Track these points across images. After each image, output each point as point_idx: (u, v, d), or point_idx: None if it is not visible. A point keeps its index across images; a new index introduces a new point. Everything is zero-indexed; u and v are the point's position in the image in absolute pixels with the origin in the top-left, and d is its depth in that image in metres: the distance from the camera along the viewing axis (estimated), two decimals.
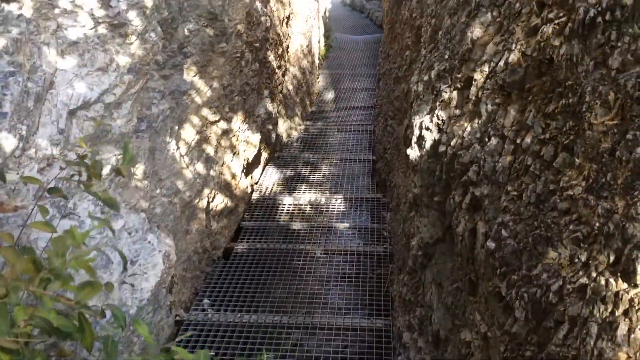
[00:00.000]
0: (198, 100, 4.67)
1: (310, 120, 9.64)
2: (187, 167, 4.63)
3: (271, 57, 6.88)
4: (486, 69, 2.82)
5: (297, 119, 9.02)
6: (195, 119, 4.71)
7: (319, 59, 12.24)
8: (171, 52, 4.23)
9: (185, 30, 4.33)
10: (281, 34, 7.51)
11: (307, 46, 10.13)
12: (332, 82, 11.99)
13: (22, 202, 2.80)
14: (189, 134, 4.64)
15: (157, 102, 4.09)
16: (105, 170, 3.35)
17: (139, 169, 3.80)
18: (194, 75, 4.55)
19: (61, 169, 3.04)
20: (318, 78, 11.85)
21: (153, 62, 3.85)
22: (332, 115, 10.07)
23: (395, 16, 7.21)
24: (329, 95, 11.20)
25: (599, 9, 2.13)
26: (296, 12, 9.07)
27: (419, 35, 4.61)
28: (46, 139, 2.98)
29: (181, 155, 4.53)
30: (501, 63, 2.67)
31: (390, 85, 7.09)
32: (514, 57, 2.55)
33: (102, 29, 3.29)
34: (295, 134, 8.79)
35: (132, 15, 3.41)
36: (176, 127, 4.43)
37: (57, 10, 3.11)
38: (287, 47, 8.29)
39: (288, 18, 8.23)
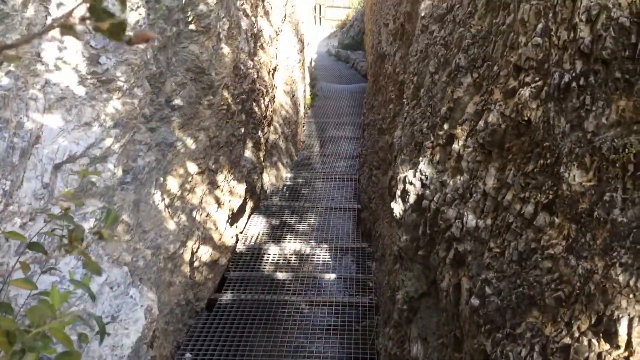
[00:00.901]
0: (184, 151, 4.70)
1: (295, 169, 9.71)
2: (172, 218, 4.62)
3: (257, 107, 6.98)
4: (467, 127, 2.90)
5: (282, 168, 9.08)
6: (181, 170, 4.72)
7: (304, 107, 12.42)
8: (158, 105, 4.28)
9: (173, 84, 4.40)
10: (267, 84, 7.65)
11: (293, 96, 10.29)
12: (318, 131, 12.14)
13: (3, 258, 2.76)
14: (174, 185, 4.64)
15: (143, 154, 4.11)
16: (89, 224, 3.33)
17: (123, 222, 3.78)
18: (181, 128, 4.59)
19: (45, 222, 3.03)
20: (304, 127, 12.00)
21: (140, 116, 3.90)
22: (318, 163, 10.16)
23: (379, 69, 7.40)
24: (315, 144, 11.31)
25: (573, 74, 2.23)
26: (282, 63, 9.27)
27: (402, 90, 4.73)
28: (30, 194, 2.97)
29: (166, 207, 4.52)
30: (481, 122, 2.74)
31: (374, 136, 7.20)
32: (493, 117, 2.63)
33: (89, 85, 3.33)
34: (280, 183, 8.83)
35: (120, 71, 3.46)
36: (161, 179, 4.44)
37: (45, 67, 3.15)
38: (273, 97, 8.42)
39: (274, 69, 8.39)
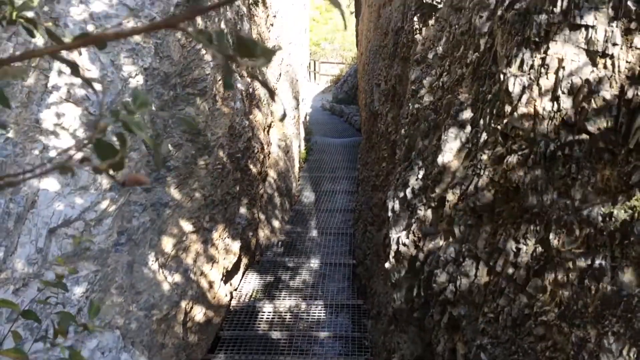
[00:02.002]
0: (179, 211, 4.72)
1: (290, 224, 9.69)
2: (166, 278, 4.59)
3: (252, 165, 7.06)
4: (458, 191, 2.95)
5: (277, 223, 9.07)
6: (175, 230, 4.73)
7: (299, 162, 12.54)
8: (155, 166, 4.33)
9: (170, 145, 4.47)
10: (263, 141, 7.76)
11: (288, 152, 10.42)
12: (313, 185, 12.20)
13: None
14: (168, 244, 4.64)
15: (138, 215, 4.13)
16: (82, 289, 3.31)
17: (116, 285, 3.75)
18: (176, 188, 4.63)
19: (39, 290, 3.02)
20: (299, 181, 12.07)
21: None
22: (313, 218, 10.16)
23: (372, 127, 7.53)
24: (310, 198, 11.35)
25: (559, 143, 2.29)
26: (277, 119, 9.43)
27: (394, 149, 4.81)
28: (24, 259, 2.96)
29: (160, 267, 4.50)
30: (471, 187, 2.79)
31: (368, 192, 7.26)
32: (482, 182, 2.68)
33: (86, 150, 3.38)
34: (275, 238, 8.80)
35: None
36: (156, 238, 4.44)
37: (43, 133, 3.21)
38: (268, 153, 8.52)
39: (269, 126, 8.53)
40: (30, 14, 1.28)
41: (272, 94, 0.63)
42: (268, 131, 8.38)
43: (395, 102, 5.14)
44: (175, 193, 4.64)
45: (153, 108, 3.96)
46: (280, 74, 9.59)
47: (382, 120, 6.00)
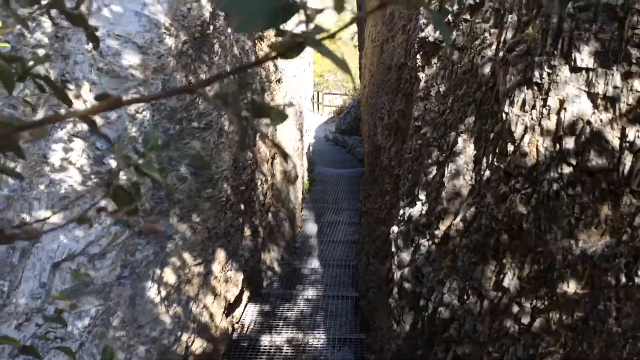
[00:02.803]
0: (182, 244, 4.72)
1: (293, 256, 9.67)
2: (167, 311, 4.56)
3: (256, 196, 7.08)
4: (462, 228, 2.95)
5: (280, 255, 9.05)
6: (178, 263, 4.72)
7: (302, 193, 12.56)
8: (159, 199, 4.36)
9: (174, 178, 4.50)
10: (266, 173, 7.80)
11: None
12: (316, 216, 12.19)
13: None
14: (171, 277, 4.63)
15: (141, 248, 4.13)
16: (84, 323, 3.30)
17: (118, 319, 3.74)
18: (180, 220, 4.64)
19: (37, 325, 3.02)
20: (302, 211, 12.07)
21: (141, 211, 3.96)
22: (315, 250, 10.13)
23: (375, 159, 7.57)
24: (313, 229, 11.33)
25: (561, 183, 2.31)
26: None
27: (397, 184, 4.83)
28: (27, 294, 2.96)
29: (162, 300, 4.48)
30: (475, 224, 2.80)
31: (372, 224, 7.25)
32: (486, 220, 2.69)
33: (92, 184, 3.41)
34: (278, 270, 8.77)
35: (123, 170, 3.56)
36: (159, 271, 4.43)
37: (50, 167, 3.25)
38: (272, 184, 8.56)
39: (273, 158, 8.58)
40: (42, 70, 1.32)
41: (285, 156, 0.66)
42: (272, 163, 8.43)
43: (398, 136, 5.19)
44: (179, 226, 4.65)
45: (159, 143, 4.00)
46: (284, 107, 9.68)
47: (385, 154, 6.04)
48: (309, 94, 15.43)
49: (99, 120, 3.42)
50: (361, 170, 14.66)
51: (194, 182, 4.77)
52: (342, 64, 0.52)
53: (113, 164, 3.49)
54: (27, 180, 3.12)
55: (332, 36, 0.52)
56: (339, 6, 0.51)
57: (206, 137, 4.79)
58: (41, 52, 3.32)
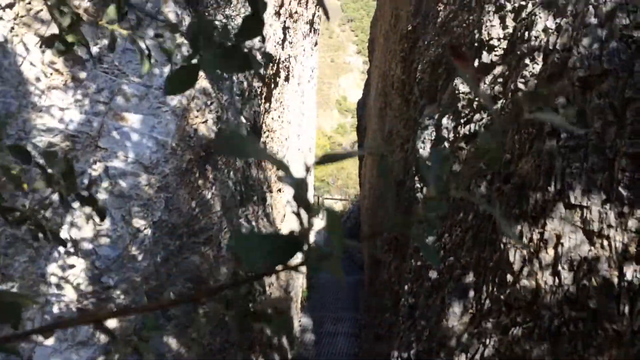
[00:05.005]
0: None
1: None
2: None
3: (253, 308, 6.94)
4: (463, 358, 2.87)
5: None
6: None
7: (301, 301, 12.32)
8: (154, 315, 4.27)
9: (172, 293, 4.45)
10: (265, 284, 7.70)
11: (289, 291, 10.28)
12: (314, 326, 11.86)
13: None
14: None
15: None
16: None
17: None
18: (175, 337, 4.52)
19: None
20: (300, 320, 11.77)
21: (134, 334, 3.86)
22: None
23: (374, 273, 7.52)
24: (311, 340, 10.99)
25: (562, 319, 2.28)
26: None
27: (397, 301, 4.76)
28: None
29: None
30: (477, 356, 2.73)
31: (371, 340, 7.06)
32: (488, 352, 2.63)
33: (88, 304, 3.37)
34: None
35: (121, 289, 3.54)
36: None
37: (47, 286, 3.23)
38: (270, 294, 8.42)
39: None
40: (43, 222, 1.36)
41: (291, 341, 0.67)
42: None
43: (398, 252, 5.19)
44: (173, 343, 4.52)
45: (158, 260, 4.01)
46: (284, 215, 9.78)
47: (385, 269, 6.01)
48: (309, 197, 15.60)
49: (101, 240, 3.45)
50: (361, 277, 14.47)
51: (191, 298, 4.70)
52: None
53: (111, 282, 3.48)
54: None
55: None
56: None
57: (206, 252, 4.79)
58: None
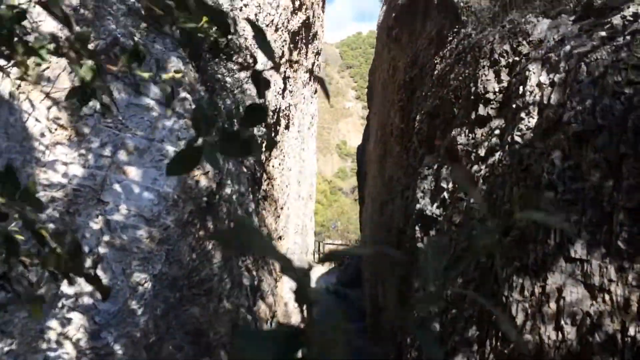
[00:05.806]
0: None
1: None
2: None
3: None
4: None
5: None
6: None
7: None
8: None
9: (170, 347, 4.38)
10: None
11: None
12: None
13: None
14: None
15: None
16: None
17: None
18: None
19: None
20: None
21: None
22: None
23: (377, 321, 7.41)
24: None
25: None
26: (281, 307, 9.32)
27: (400, 351, 4.69)
28: None
29: None
30: None
31: None
32: None
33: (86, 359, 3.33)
34: None
35: (120, 344, 3.49)
36: None
37: (46, 343, 3.19)
38: None
39: (273, 317, 8.42)
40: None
41: None
42: (271, 323, 8.25)
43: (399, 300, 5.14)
44: None
45: (158, 313, 3.97)
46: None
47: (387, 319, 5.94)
48: (310, 249, 15.57)
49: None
50: (364, 324, 14.22)
51: (191, 351, 4.63)
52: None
53: (110, 338, 3.44)
54: (22, 357, 3.05)
55: None
56: None
57: (206, 303, 4.75)
58: (51, 226, 3.43)
